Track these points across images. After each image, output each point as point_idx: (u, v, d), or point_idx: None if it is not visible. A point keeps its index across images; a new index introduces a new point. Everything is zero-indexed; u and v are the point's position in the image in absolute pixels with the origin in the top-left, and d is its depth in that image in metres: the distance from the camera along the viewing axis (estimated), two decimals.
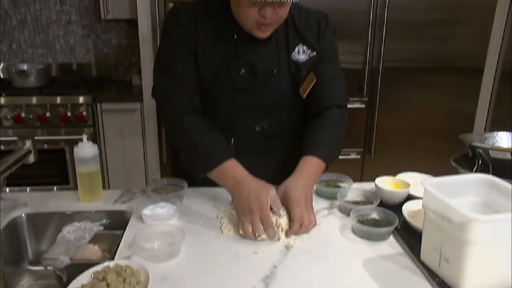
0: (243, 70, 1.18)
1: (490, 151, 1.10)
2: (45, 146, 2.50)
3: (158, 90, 1.22)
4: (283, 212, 1.03)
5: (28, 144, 0.86)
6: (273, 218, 1.02)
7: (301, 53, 1.21)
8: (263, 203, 1.01)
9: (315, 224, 1.05)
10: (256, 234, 1.00)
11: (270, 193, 1.03)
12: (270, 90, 1.22)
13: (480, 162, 1.14)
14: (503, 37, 2.54)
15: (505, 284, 0.81)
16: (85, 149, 1.17)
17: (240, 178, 1.07)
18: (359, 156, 2.70)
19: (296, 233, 1.03)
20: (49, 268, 1.06)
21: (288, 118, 1.29)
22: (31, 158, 0.88)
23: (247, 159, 1.12)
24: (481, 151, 1.12)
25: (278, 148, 1.31)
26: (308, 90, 1.23)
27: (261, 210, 1.00)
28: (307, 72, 1.23)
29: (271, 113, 1.25)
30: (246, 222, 1.01)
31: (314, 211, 1.14)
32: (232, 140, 1.26)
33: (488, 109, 2.67)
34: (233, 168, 1.10)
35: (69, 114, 2.44)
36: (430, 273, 0.87)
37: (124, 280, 0.83)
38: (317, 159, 1.16)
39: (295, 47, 1.21)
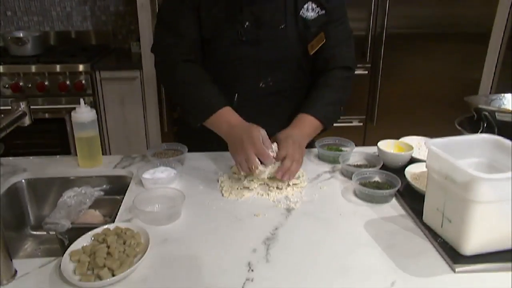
0: (247, 22, 1.16)
1: (496, 114, 1.07)
2: (46, 115, 2.47)
3: (158, 44, 1.24)
4: (273, 153, 1.04)
5: (23, 105, 0.84)
6: None
7: (310, 10, 1.18)
8: (255, 138, 1.03)
9: (301, 163, 1.06)
10: (253, 167, 1.01)
11: (260, 130, 1.06)
12: (276, 44, 1.19)
13: (485, 125, 1.11)
14: None
15: (506, 245, 0.80)
16: (83, 113, 1.15)
17: (233, 122, 1.11)
18: (361, 124, 2.67)
19: (285, 173, 1.03)
20: (51, 232, 1.06)
21: (294, 76, 1.27)
22: (27, 120, 0.85)
23: (251, 117, 1.12)
24: (486, 113, 1.09)
25: (283, 107, 1.29)
26: (316, 48, 1.21)
27: (253, 145, 1.02)
28: (316, 30, 1.20)
29: (276, 69, 1.23)
30: (242, 160, 1.03)
31: (316, 174, 1.14)
32: (236, 95, 1.24)
33: (494, 76, 2.62)
34: (227, 113, 1.14)
35: (68, 82, 2.41)
36: (432, 234, 0.86)
37: (124, 242, 0.83)
38: (312, 118, 1.16)
39: (304, 4, 1.18)
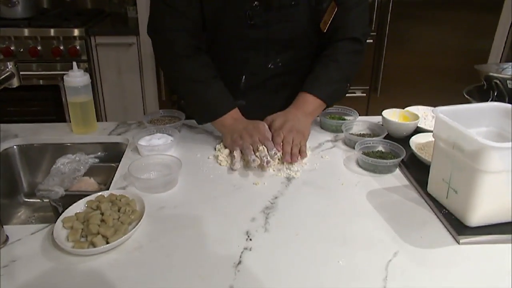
0: (256, 2, 1.08)
1: (508, 82, 1.04)
2: (41, 82, 2.43)
3: (156, 26, 1.13)
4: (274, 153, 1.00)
5: (10, 65, 0.81)
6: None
7: None
8: (260, 126, 1.03)
9: (301, 144, 1.03)
10: (259, 148, 0.99)
11: (265, 125, 1.05)
12: (286, 25, 1.12)
13: (495, 94, 1.08)
14: None
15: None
16: (76, 77, 1.12)
17: (238, 117, 1.09)
18: (364, 94, 2.64)
19: (291, 156, 1.01)
20: (45, 200, 1.05)
21: (304, 54, 1.22)
22: (15, 82, 0.82)
23: (258, 96, 1.08)
24: (498, 81, 1.06)
25: (291, 86, 1.23)
26: (329, 22, 1.12)
27: (259, 133, 1.01)
28: (328, 5, 1.12)
29: (286, 49, 1.17)
30: (248, 145, 1.00)
31: (318, 143, 1.12)
32: (243, 77, 1.20)
33: (504, 46, 2.56)
34: (233, 112, 1.12)
35: (61, 47, 2.35)
36: (437, 205, 0.85)
37: (118, 209, 0.81)
38: (313, 98, 1.11)
39: None
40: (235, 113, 1.12)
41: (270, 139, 1.01)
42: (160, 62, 1.17)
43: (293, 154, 1.00)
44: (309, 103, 1.13)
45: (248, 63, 1.18)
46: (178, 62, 1.11)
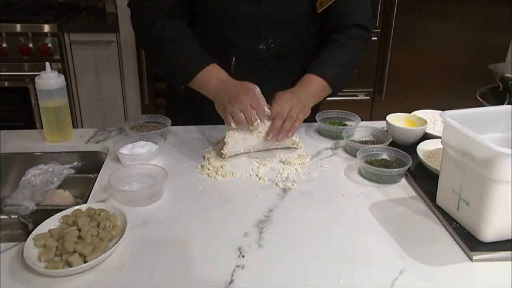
0: None
1: None
2: (6, 83, 2.43)
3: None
4: (267, 110, 1.06)
5: None
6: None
7: None
8: (251, 91, 1.04)
9: (300, 121, 1.08)
10: (252, 119, 1.02)
11: (256, 87, 1.06)
12: (278, 1, 1.18)
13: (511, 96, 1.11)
14: None
15: None
16: (50, 79, 1.13)
17: (225, 79, 1.11)
18: (368, 97, 2.67)
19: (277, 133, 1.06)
20: (12, 216, 1.05)
21: (298, 38, 1.25)
22: None
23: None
24: None
25: (285, 72, 1.27)
26: (326, 6, 1.17)
27: (251, 97, 1.03)
28: None
29: (279, 29, 1.21)
30: (236, 111, 1.03)
31: (316, 151, 1.14)
32: (233, 59, 1.23)
33: None
34: (216, 70, 1.13)
35: (30, 45, 2.36)
36: (447, 218, 0.87)
37: (98, 225, 0.82)
38: (319, 79, 1.15)
39: None
40: (219, 73, 1.13)
41: (261, 104, 1.04)
42: (135, 29, 1.23)
43: (283, 128, 1.05)
44: (313, 84, 1.18)
45: (238, 42, 1.22)
46: (150, 24, 1.16)
